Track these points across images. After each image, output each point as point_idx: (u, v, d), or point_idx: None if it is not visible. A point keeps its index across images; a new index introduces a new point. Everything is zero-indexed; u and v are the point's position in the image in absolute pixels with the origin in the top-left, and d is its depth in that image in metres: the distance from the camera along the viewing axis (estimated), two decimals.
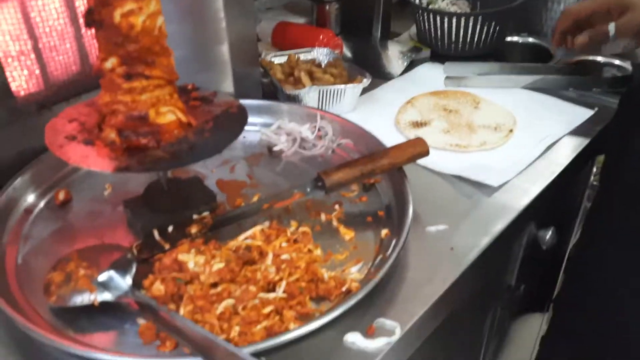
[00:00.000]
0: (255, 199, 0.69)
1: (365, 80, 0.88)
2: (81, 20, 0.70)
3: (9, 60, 0.65)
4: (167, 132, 0.58)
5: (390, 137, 0.77)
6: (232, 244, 0.60)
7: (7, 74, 0.65)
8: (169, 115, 0.58)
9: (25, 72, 0.67)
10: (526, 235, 0.80)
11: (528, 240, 0.82)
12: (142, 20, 0.52)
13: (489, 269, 0.75)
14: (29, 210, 0.67)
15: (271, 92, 0.93)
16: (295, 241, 0.60)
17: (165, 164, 0.55)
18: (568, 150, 0.79)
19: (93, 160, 0.55)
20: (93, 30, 0.54)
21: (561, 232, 0.92)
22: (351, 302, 0.51)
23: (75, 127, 0.59)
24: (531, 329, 1.20)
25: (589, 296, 0.77)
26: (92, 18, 0.51)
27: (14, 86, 0.67)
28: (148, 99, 0.56)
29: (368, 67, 0.91)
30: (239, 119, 0.62)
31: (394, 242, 0.60)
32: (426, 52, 1.07)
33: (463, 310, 0.80)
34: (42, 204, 0.69)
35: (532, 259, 0.87)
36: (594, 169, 1.30)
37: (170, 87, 0.58)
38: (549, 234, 0.80)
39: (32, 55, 0.67)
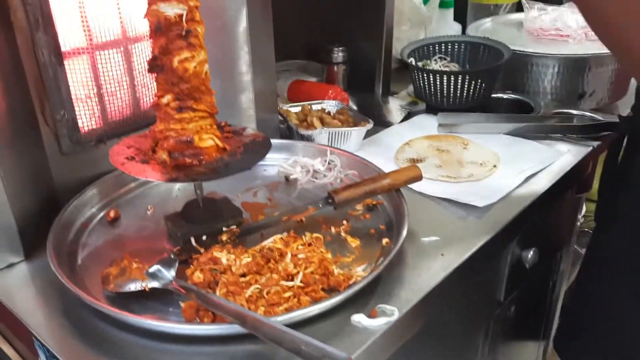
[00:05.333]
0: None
1: (368, 124, 1.02)
2: (135, 72, 0.86)
3: (79, 101, 0.81)
4: (207, 154, 0.72)
5: (390, 170, 0.90)
6: (257, 247, 0.72)
7: (77, 112, 0.80)
8: (209, 141, 0.72)
9: (89, 112, 0.83)
10: (510, 253, 0.91)
11: (512, 258, 0.93)
12: (193, 65, 0.67)
13: (477, 278, 0.86)
14: (85, 224, 0.80)
15: (287, 136, 1.08)
16: (310, 244, 0.72)
17: (206, 176, 0.68)
18: (544, 182, 0.91)
19: (149, 173, 0.68)
20: (154, 75, 0.70)
21: (546, 259, 1.03)
22: (357, 286, 0.63)
23: (133, 151, 0.73)
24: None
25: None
26: (156, 63, 0.67)
27: (80, 122, 0.82)
28: (194, 127, 0.70)
29: (371, 117, 1.06)
30: (264, 145, 0.76)
31: (393, 247, 0.71)
32: (422, 106, 1.23)
33: (458, 319, 0.90)
34: (96, 220, 0.82)
35: (518, 276, 0.98)
36: (582, 212, 1.42)
37: (211, 119, 0.73)
38: (530, 254, 0.91)
39: (96, 99, 0.83)
